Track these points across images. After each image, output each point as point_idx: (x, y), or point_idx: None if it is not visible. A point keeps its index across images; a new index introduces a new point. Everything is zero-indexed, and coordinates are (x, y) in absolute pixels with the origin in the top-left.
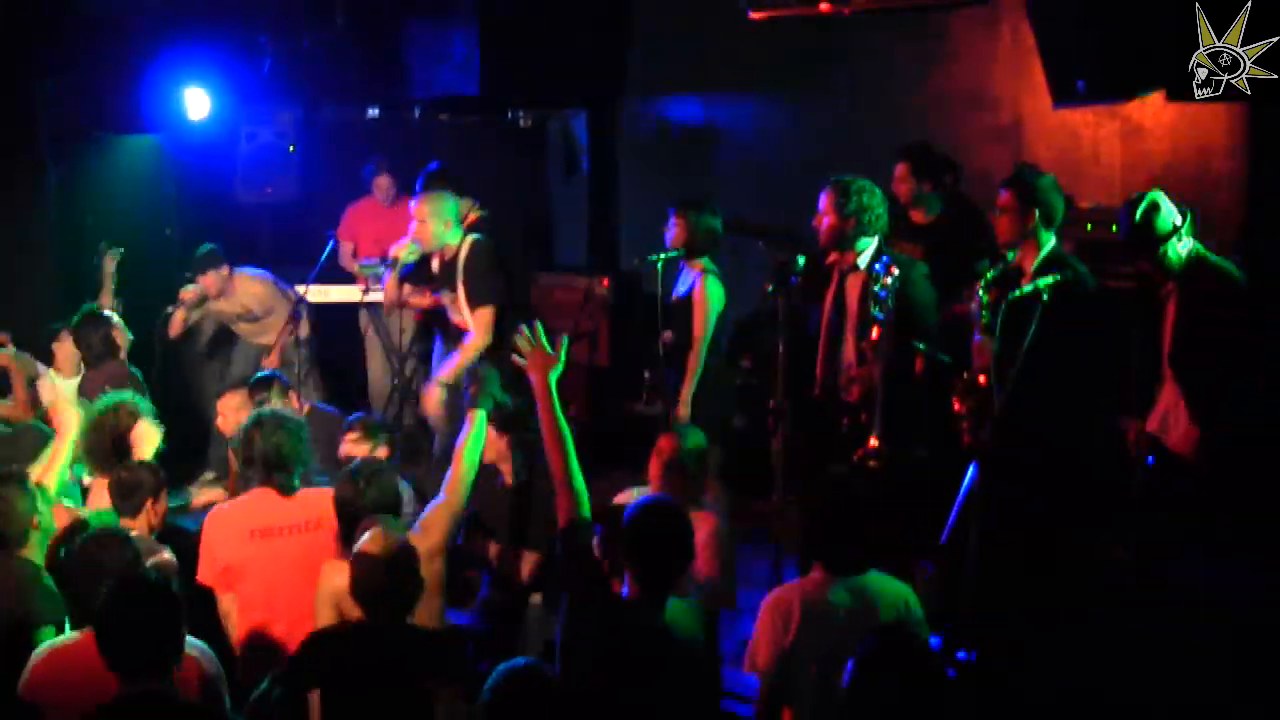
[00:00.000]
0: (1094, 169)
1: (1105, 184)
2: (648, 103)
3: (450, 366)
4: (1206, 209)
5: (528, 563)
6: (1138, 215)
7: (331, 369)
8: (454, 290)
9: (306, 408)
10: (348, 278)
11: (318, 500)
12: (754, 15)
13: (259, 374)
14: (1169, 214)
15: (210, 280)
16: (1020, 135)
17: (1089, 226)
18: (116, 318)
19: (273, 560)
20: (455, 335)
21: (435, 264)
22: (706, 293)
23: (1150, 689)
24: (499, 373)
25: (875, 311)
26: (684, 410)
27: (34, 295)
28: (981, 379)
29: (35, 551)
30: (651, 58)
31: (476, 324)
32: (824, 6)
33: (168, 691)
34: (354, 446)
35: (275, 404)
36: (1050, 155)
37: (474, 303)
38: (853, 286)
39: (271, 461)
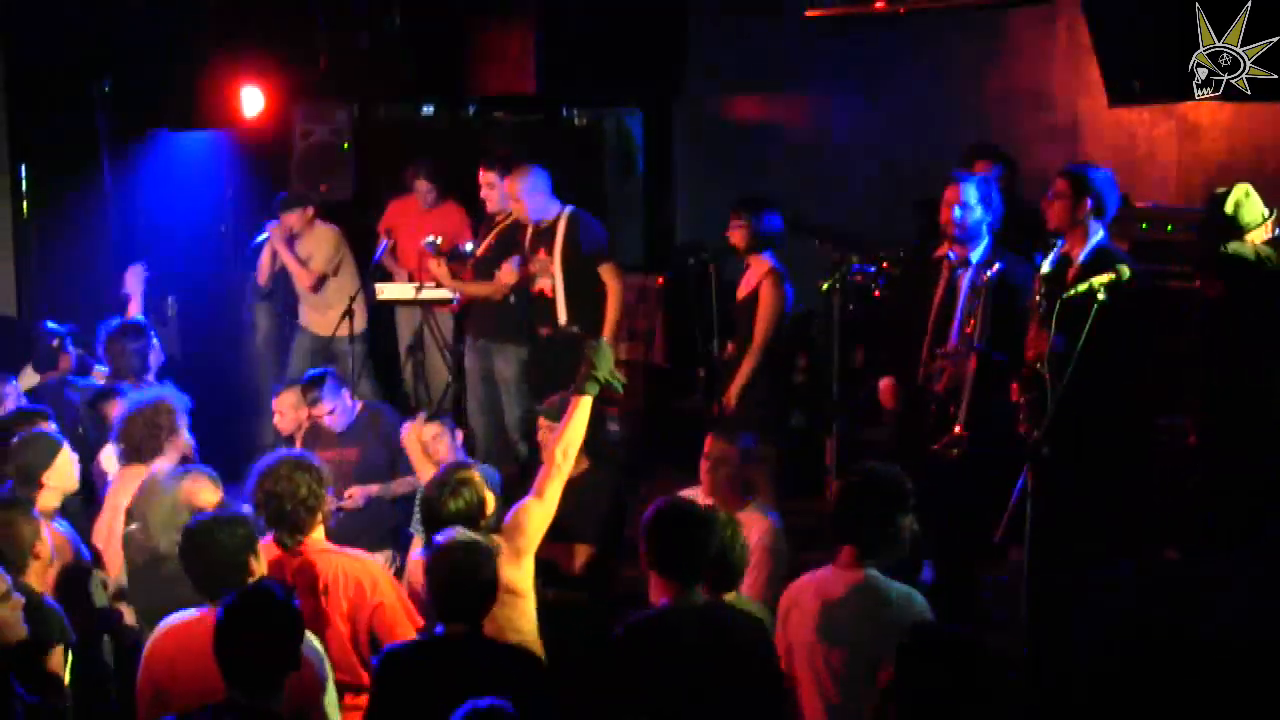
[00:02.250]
0: (1150, 168)
1: (1161, 183)
2: (704, 101)
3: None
4: None
5: (580, 556)
6: (1228, 205)
7: (386, 366)
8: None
9: (360, 405)
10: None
11: (330, 564)
12: (810, 13)
13: (310, 372)
14: (1258, 204)
15: (293, 218)
16: (1077, 134)
17: (1144, 225)
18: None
19: None
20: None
21: (529, 234)
22: (772, 293)
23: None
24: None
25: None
26: (732, 403)
27: (91, 292)
28: (1048, 376)
29: (35, 579)
30: (708, 56)
31: (610, 280)
32: (879, 5)
33: (271, 708)
34: (430, 438)
35: (339, 407)
36: (1106, 154)
37: (599, 261)
38: (964, 281)
39: (272, 514)
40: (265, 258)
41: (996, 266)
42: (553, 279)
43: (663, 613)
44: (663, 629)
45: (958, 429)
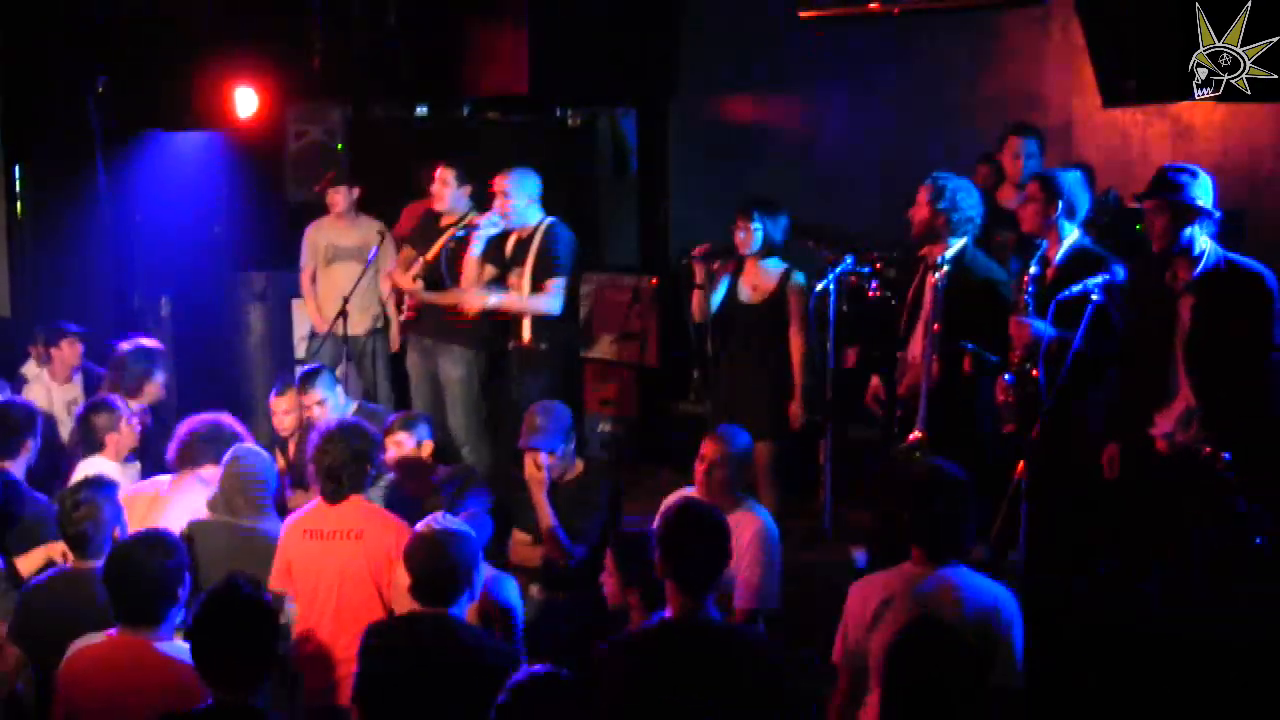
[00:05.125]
0: (1144, 169)
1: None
2: (697, 102)
3: (504, 299)
4: (1256, 209)
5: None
6: (1180, 175)
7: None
8: (521, 268)
9: (353, 406)
10: None
11: (365, 512)
12: (804, 14)
13: (303, 370)
14: (1209, 195)
15: (339, 197)
16: (1070, 135)
17: (1138, 226)
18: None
19: (318, 560)
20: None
21: (510, 243)
22: (804, 303)
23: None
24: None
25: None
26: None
27: (85, 292)
28: (1034, 372)
29: None
30: (701, 56)
31: (549, 291)
32: (873, 5)
33: (255, 707)
34: (398, 448)
35: (330, 402)
36: (1100, 155)
37: (547, 274)
38: (931, 283)
39: (323, 472)
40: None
41: (944, 270)
42: (518, 298)
43: (658, 628)
44: (651, 646)
45: (916, 433)
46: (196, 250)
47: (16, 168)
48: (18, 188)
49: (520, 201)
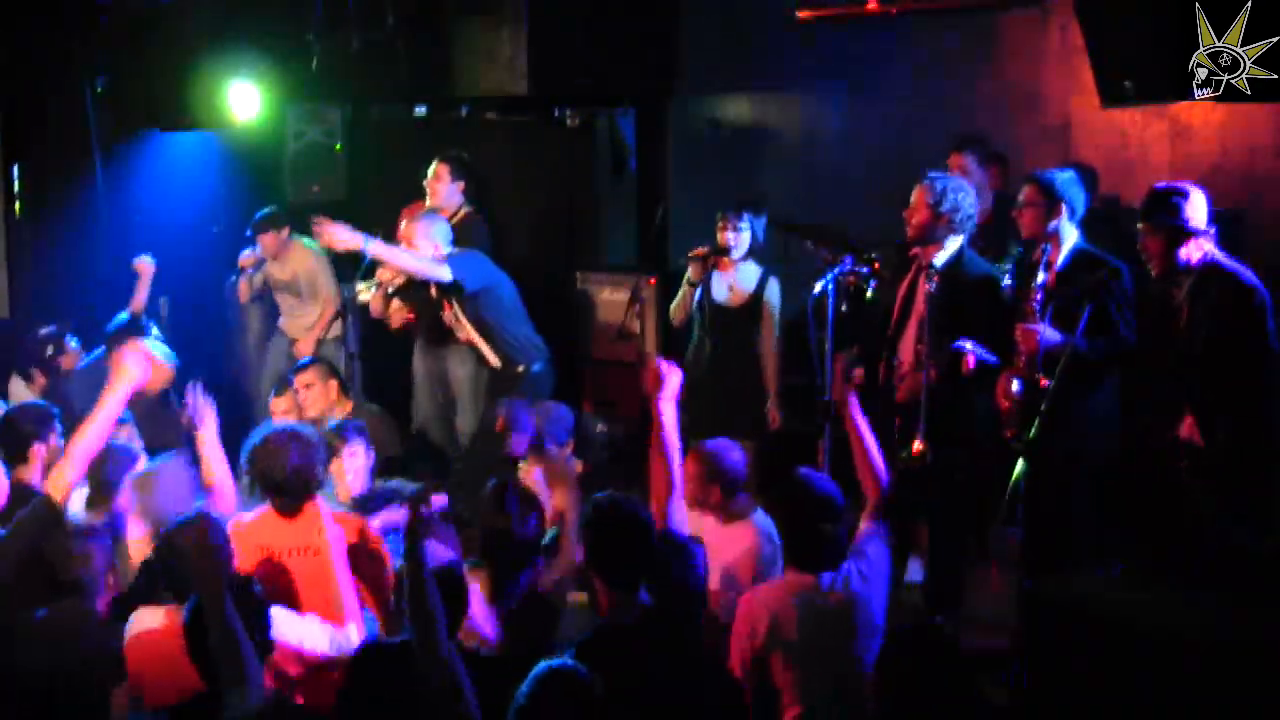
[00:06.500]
0: (1142, 170)
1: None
2: (696, 102)
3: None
4: (1255, 209)
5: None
6: (1174, 197)
7: (376, 369)
8: (446, 300)
9: (349, 405)
10: None
11: (322, 524)
12: (802, 14)
13: (299, 362)
14: (1203, 213)
15: (269, 240)
16: (1069, 135)
17: (1137, 226)
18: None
19: (274, 576)
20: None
21: (434, 287)
22: (777, 303)
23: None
24: None
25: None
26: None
27: (84, 293)
28: (1043, 382)
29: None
30: (699, 57)
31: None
32: (871, 6)
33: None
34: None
35: (317, 388)
36: (1098, 156)
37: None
38: (924, 284)
39: (269, 484)
40: (244, 286)
41: (937, 278)
42: (465, 329)
43: (598, 633)
44: (600, 654)
45: (918, 445)
46: (196, 250)
47: (15, 168)
48: (16, 188)
49: (427, 250)
